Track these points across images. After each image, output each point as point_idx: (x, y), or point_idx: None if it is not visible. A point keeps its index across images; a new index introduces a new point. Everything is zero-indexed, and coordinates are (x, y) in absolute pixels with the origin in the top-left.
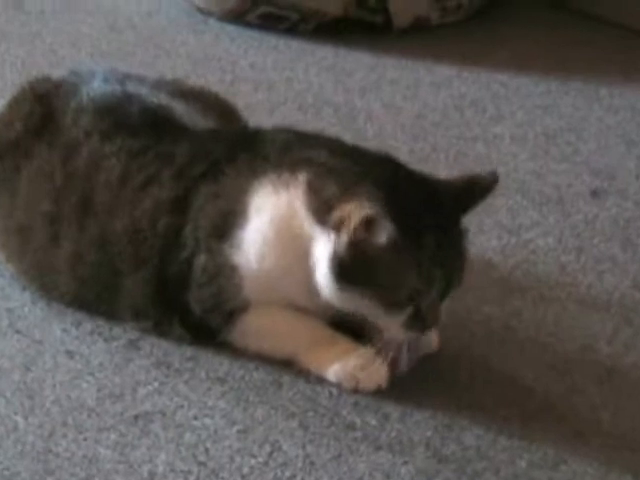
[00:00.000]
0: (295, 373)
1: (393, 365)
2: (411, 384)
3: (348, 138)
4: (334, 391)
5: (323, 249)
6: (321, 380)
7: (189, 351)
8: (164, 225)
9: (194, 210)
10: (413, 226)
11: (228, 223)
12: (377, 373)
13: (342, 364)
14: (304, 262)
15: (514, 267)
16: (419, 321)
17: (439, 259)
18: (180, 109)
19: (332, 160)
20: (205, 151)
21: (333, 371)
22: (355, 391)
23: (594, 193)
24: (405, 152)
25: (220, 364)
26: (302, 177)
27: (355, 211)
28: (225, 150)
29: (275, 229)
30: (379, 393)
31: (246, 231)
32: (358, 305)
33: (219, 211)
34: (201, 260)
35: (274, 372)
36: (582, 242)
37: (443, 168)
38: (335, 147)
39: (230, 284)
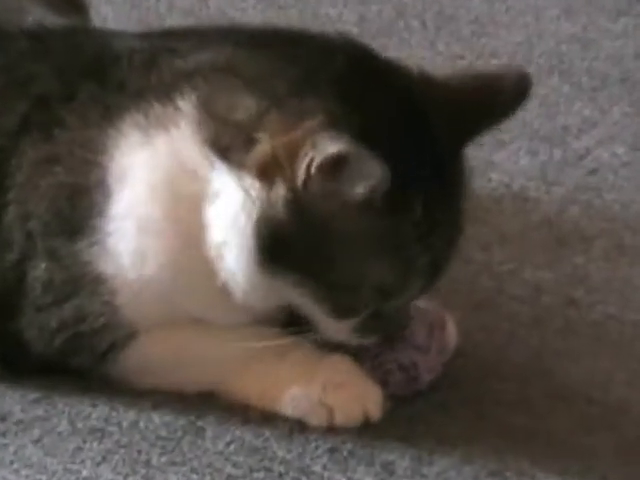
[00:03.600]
0: (222, 409)
1: (385, 379)
2: (420, 408)
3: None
4: (294, 433)
5: (237, 209)
6: (270, 417)
7: (35, 388)
8: None
9: (17, 187)
10: (399, 174)
11: (79, 207)
12: (363, 396)
13: (304, 387)
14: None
15: (564, 200)
16: (382, 324)
17: (429, 234)
18: None
19: (239, 60)
20: (23, 80)
21: (290, 400)
22: (330, 429)
23: None
24: (350, 23)
25: (92, 405)
26: (188, 100)
27: (306, 143)
28: (57, 78)
29: (160, 203)
30: (370, 429)
31: (110, 217)
32: (289, 300)
33: (60, 188)
34: (40, 269)
35: (187, 411)
36: None
37: (419, 44)
38: (238, 38)
39: (95, 305)
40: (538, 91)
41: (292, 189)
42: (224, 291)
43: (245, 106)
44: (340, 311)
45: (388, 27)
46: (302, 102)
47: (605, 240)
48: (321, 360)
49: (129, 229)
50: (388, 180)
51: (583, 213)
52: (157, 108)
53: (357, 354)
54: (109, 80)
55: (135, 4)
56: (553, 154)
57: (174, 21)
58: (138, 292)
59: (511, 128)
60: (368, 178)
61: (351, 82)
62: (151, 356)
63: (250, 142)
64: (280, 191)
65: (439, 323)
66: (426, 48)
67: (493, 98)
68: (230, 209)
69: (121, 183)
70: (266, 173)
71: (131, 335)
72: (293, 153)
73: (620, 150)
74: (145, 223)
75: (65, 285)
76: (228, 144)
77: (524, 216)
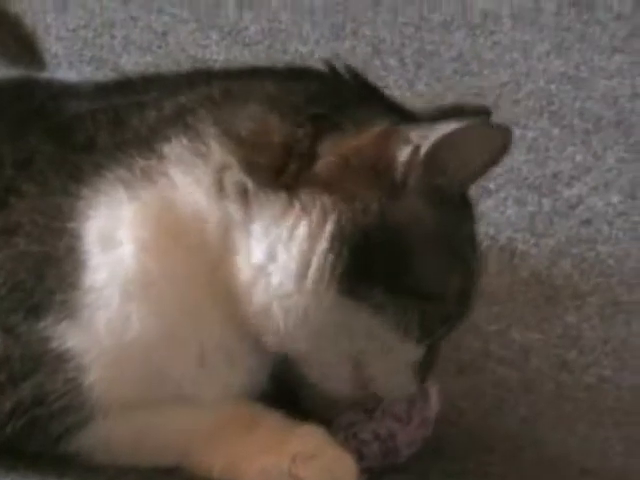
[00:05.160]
0: None
1: (360, 451)
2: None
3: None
4: None
5: (291, 231)
6: None
7: None
8: None
9: None
10: None
11: (43, 280)
12: (335, 468)
13: (273, 458)
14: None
15: (555, 253)
16: (429, 362)
17: (474, 238)
18: None
19: (238, 88)
20: None
21: (257, 472)
22: None
23: None
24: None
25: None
26: (177, 143)
27: (390, 142)
28: (8, 141)
29: (152, 259)
30: None
31: (85, 289)
32: (353, 335)
33: (20, 260)
34: None
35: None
36: None
37: (396, 84)
38: (218, 74)
39: (58, 386)
40: (526, 135)
41: (386, 191)
42: (231, 351)
43: (280, 128)
44: (428, 326)
45: (363, 65)
46: (352, 115)
47: (599, 297)
48: (292, 430)
49: (111, 297)
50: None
51: (575, 267)
52: (139, 161)
53: (330, 424)
54: (72, 141)
55: (88, 42)
56: (542, 204)
57: (131, 59)
58: (116, 365)
59: (497, 175)
60: (490, 148)
61: (370, 96)
62: (110, 437)
63: (306, 160)
64: (369, 197)
65: (422, 394)
66: (405, 88)
67: None
68: (281, 227)
69: (99, 247)
70: (337, 184)
71: (90, 417)
72: (374, 155)
73: (615, 199)
74: (132, 286)
75: (23, 362)
76: (270, 165)
77: (511, 271)
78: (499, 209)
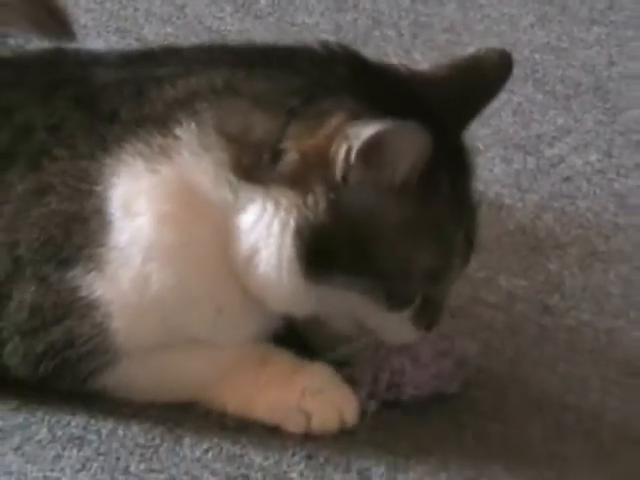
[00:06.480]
0: (200, 417)
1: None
2: (398, 416)
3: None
4: (272, 440)
5: (269, 223)
6: (247, 424)
7: (14, 396)
8: None
9: (4, 218)
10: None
11: (73, 235)
12: (340, 402)
13: (282, 393)
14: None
15: (538, 208)
16: (429, 313)
17: (457, 208)
18: None
19: (239, 80)
20: (4, 110)
21: (268, 406)
22: (307, 436)
23: None
24: (326, 32)
25: (72, 413)
26: (187, 129)
27: (336, 138)
28: (40, 108)
29: (170, 231)
30: (347, 436)
31: (110, 246)
32: (339, 306)
33: (52, 216)
34: (28, 293)
35: (165, 418)
36: None
37: (394, 53)
38: (228, 58)
39: (86, 330)
40: (512, 99)
41: (331, 187)
42: (241, 305)
43: (260, 124)
44: (396, 301)
45: (364, 36)
46: (318, 106)
47: (579, 247)
48: (301, 367)
49: (133, 257)
50: (430, 146)
51: (557, 220)
52: (157, 137)
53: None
54: (98, 110)
55: (114, 14)
56: (527, 162)
57: (152, 29)
58: (138, 315)
59: (485, 136)
60: (411, 149)
61: (357, 82)
62: (133, 376)
63: (276, 155)
64: (319, 193)
65: (450, 349)
66: (402, 57)
67: (478, 81)
68: (261, 224)
69: (123, 212)
70: (298, 180)
71: (115, 358)
72: (324, 151)
73: (593, 158)
74: (152, 251)
75: (55, 309)
76: (250, 164)
77: (499, 223)
78: (487, 167)
